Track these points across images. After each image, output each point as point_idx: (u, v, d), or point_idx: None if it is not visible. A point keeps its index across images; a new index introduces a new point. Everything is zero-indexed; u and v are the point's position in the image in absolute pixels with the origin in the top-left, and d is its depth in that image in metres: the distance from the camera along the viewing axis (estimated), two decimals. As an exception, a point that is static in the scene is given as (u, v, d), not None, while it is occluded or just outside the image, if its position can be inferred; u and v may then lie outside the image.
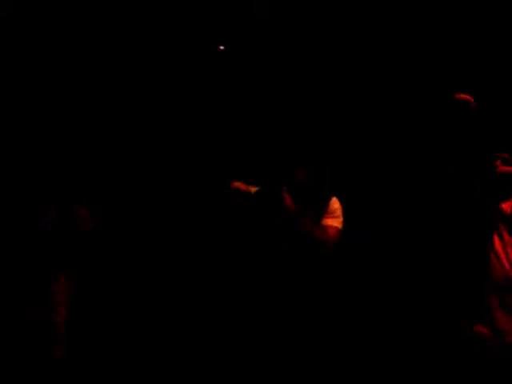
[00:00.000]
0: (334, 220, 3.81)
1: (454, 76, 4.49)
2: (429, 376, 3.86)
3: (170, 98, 4.66)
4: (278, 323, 3.66)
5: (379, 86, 4.64)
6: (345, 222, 3.85)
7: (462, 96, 3.49)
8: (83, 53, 4.43)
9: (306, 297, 3.73)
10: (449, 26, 4.45)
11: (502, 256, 3.49)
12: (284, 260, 3.70)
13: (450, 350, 3.76)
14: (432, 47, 4.50)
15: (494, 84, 4.42)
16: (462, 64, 4.48)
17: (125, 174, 4.48)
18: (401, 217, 4.49)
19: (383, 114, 4.64)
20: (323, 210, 3.81)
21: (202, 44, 4.63)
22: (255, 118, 4.63)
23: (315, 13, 4.54)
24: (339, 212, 3.85)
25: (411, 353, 4.06)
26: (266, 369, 3.64)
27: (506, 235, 3.51)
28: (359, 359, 4.13)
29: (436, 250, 4.09)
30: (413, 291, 4.27)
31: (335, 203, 3.86)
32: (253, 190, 3.80)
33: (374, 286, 4.42)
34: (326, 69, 4.63)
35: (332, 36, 4.60)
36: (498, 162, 3.51)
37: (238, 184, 3.79)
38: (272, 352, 3.65)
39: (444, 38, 4.48)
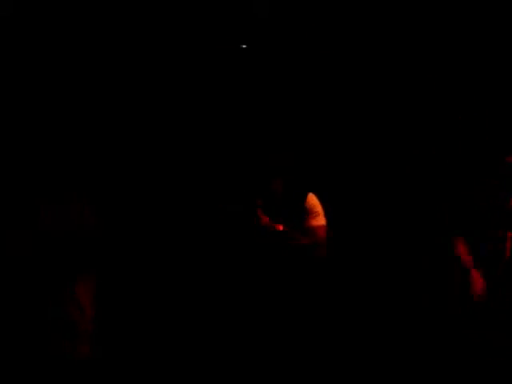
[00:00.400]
0: (317, 219, 3.75)
1: (454, 76, 4.52)
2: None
3: (168, 97, 4.67)
4: (279, 328, 3.67)
5: (379, 86, 4.65)
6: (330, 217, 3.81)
7: None
8: (84, 53, 4.44)
9: (307, 300, 3.73)
10: (449, 26, 4.47)
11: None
12: (281, 274, 3.67)
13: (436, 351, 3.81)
14: (432, 48, 4.51)
15: (494, 84, 4.44)
16: (461, 64, 4.50)
17: (125, 173, 4.50)
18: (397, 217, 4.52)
19: (382, 115, 4.66)
20: (303, 212, 3.75)
21: (201, 44, 4.64)
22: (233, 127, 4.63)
23: (315, 13, 4.55)
24: (319, 208, 3.77)
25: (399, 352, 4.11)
26: (263, 368, 3.65)
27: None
28: (351, 359, 4.16)
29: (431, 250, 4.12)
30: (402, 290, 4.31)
31: (312, 200, 3.78)
32: None
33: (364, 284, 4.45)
34: (325, 70, 4.64)
35: (332, 36, 4.61)
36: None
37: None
38: (270, 353, 3.67)
39: (444, 39, 4.50)
